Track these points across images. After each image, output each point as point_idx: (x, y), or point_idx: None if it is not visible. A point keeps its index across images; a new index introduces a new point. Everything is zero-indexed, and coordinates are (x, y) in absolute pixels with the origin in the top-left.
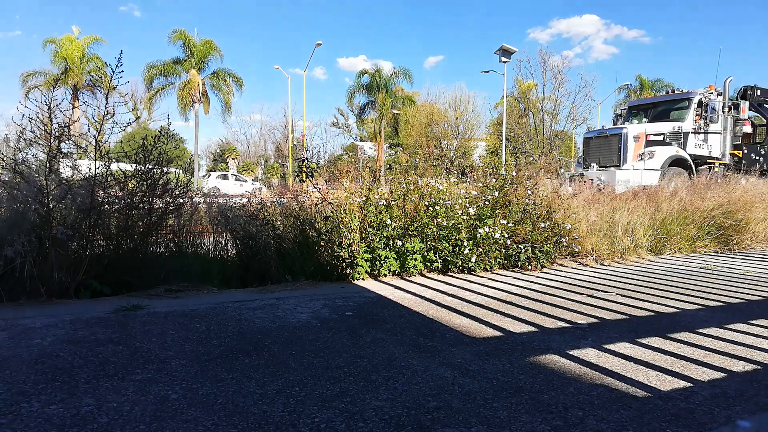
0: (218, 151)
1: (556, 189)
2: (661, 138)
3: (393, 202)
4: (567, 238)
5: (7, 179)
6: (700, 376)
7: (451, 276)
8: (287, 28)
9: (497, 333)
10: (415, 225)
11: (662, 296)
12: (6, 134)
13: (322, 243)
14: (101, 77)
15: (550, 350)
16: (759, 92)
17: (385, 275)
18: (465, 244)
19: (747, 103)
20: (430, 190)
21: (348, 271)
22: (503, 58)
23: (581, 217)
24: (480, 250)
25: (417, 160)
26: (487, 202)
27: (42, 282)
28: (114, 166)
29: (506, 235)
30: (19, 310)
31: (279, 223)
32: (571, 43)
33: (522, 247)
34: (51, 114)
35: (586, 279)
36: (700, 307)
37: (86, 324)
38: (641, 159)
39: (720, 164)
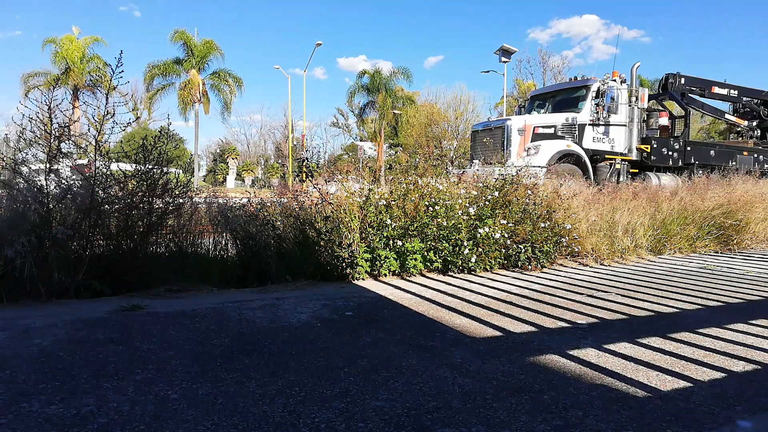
0: (218, 151)
1: (556, 189)
2: (551, 131)
3: (393, 202)
4: (567, 238)
5: (7, 179)
6: (700, 376)
7: (451, 276)
8: (287, 28)
9: (497, 333)
10: (415, 225)
11: (662, 296)
12: (6, 134)
13: (322, 243)
14: (101, 77)
15: (550, 350)
16: (683, 80)
17: (385, 275)
18: (465, 244)
19: (646, 91)
20: (430, 190)
21: (348, 271)
22: (503, 58)
23: (581, 217)
24: (480, 250)
25: (417, 160)
26: (487, 202)
27: (42, 282)
28: (114, 166)
29: (506, 235)
30: (19, 310)
31: (279, 223)
32: (571, 43)
33: (522, 247)
34: (51, 114)
35: (586, 279)
36: (700, 307)
37: (86, 324)
38: (527, 154)
39: (623, 160)
